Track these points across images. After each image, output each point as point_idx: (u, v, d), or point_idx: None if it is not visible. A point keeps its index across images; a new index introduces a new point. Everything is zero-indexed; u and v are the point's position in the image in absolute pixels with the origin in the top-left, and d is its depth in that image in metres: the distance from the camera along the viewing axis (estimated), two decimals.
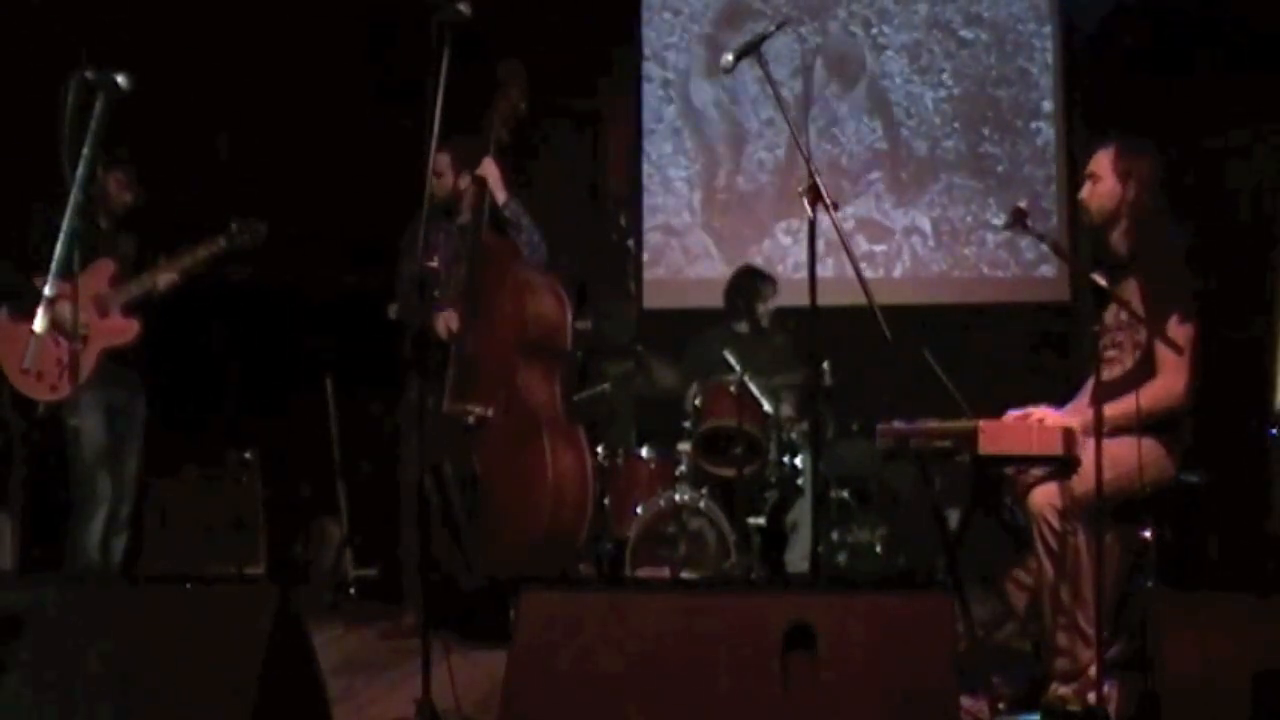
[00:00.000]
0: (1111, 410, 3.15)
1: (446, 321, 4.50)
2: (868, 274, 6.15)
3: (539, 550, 4.30)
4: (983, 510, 3.66)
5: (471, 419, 4.38)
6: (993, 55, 6.46)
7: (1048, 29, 6.45)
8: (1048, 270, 6.37)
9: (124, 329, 4.45)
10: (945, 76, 6.49)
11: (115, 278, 4.48)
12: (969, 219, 6.42)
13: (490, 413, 4.39)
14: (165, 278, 4.49)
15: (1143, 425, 3.22)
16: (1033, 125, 6.44)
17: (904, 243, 6.47)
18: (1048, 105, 6.43)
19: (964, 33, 6.50)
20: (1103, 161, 3.52)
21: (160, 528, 5.39)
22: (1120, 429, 3.21)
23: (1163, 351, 3.28)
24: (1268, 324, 5.61)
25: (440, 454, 4.36)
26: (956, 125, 6.47)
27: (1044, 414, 3.37)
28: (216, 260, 4.56)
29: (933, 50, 6.50)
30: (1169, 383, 3.30)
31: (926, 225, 6.47)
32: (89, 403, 4.42)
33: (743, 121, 6.60)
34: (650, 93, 6.67)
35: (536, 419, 4.41)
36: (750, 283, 5.76)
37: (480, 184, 4.54)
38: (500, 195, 4.55)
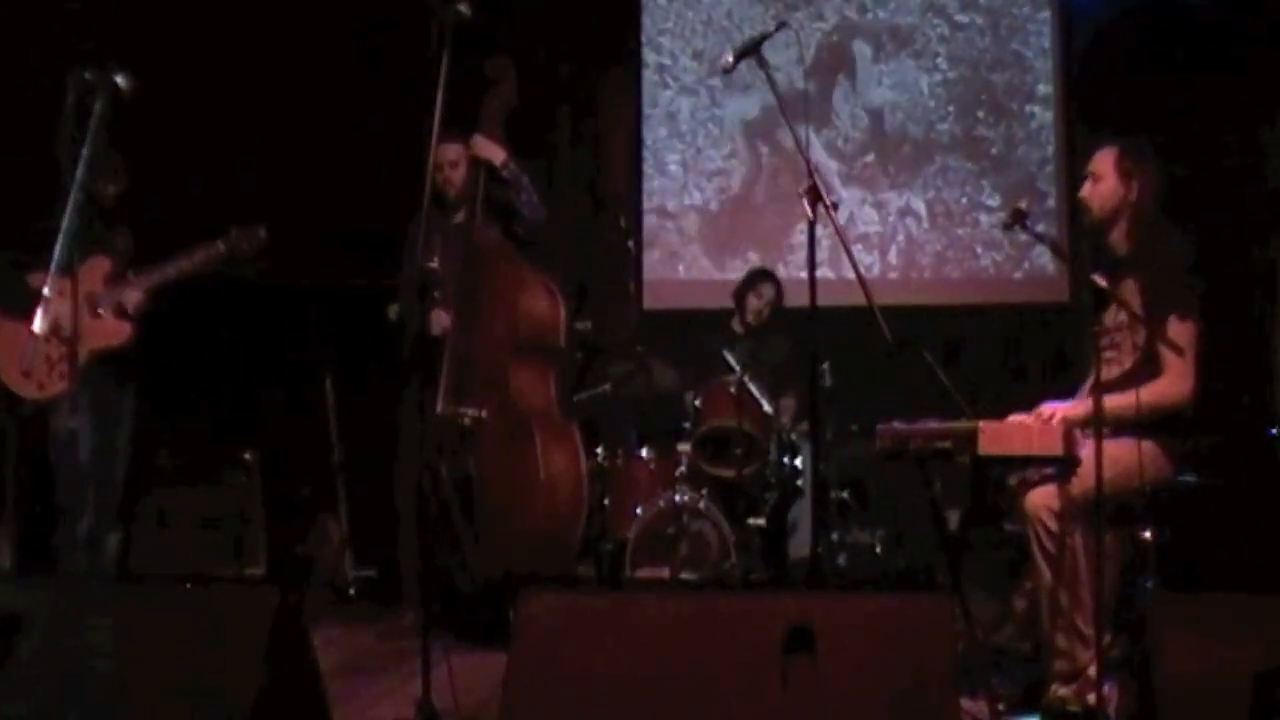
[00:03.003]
0: (1115, 402, 3.15)
1: (438, 322, 4.49)
2: (863, 256, 6.30)
3: (534, 551, 4.29)
4: (981, 520, 3.66)
5: (467, 421, 4.36)
6: (987, 39, 6.50)
7: (1043, 14, 6.50)
8: (1047, 268, 6.39)
9: (116, 331, 4.35)
10: (940, 60, 6.53)
11: (110, 276, 4.41)
12: (963, 200, 6.46)
13: (485, 415, 4.37)
14: (133, 296, 4.38)
15: (1145, 423, 3.22)
16: (1027, 108, 6.47)
17: (899, 224, 6.51)
18: (1042, 89, 6.47)
19: (959, 16, 6.54)
20: (1105, 161, 3.52)
21: (160, 528, 5.38)
22: (1123, 424, 3.21)
23: (1165, 352, 3.28)
24: (1268, 324, 5.62)
25: (436, 456, 4.34)
26: (951, 109, 6.51)
27: (1053, 410, 3.36)
28: (214, 265, 4.49)
29: (928, 34, 6.54)
30: (1174, 381, 3.29)
31: (921, 207, 6.50)
32: (82, 405, 4.38)
33: (742, 108, 6.63)
34: (645, 78, 6.71)
35: (528, 419, 4.39)
36: (748, 278, 5.83)
37: (476, 163, 4.50)
38: (498, 156, 4.47)
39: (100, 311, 4.36)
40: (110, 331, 4.36)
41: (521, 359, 4.46)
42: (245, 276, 4.82)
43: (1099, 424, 3.03)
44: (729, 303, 5.85)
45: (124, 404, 4.58)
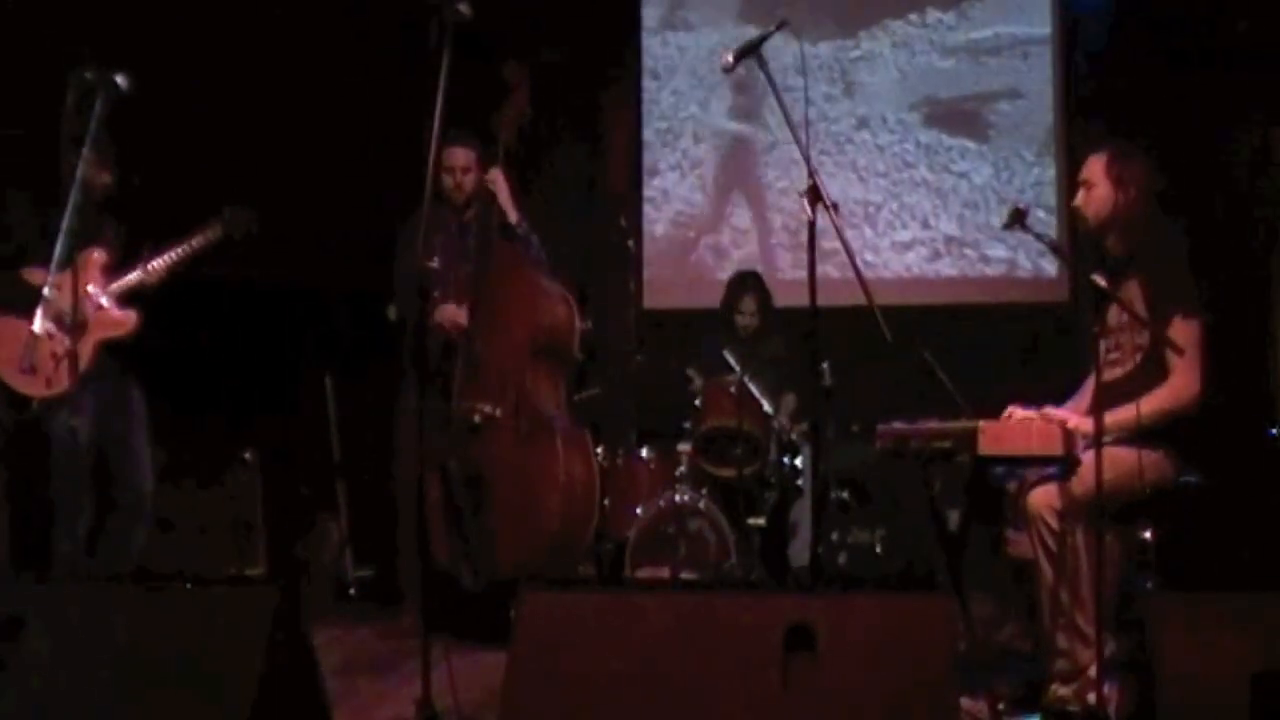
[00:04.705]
0: (1119, 415, 3.16)
1: (451, 315, 4.51)
2: (859, 255, 6.27)
3: (546, 553, 4.32)
4: (981, 520, 3.67)
5: (479, 418, 4.40)
6: (988, 40, 6.48)
7: (1043, 14, 6.48)
8: (1047, 268, 6.38)
9: (121, 320, 4.36)
10: (940, 60, 6.52)
11: (107, 267, 4.39)
12: (963, 200, 6.45)
13: (499, 412, 4.41)
14: (153, 274, 4.37)
15: (1154, 429, 3.22)
16: (1027, 109, 6.45)
17: (895, 221, 6.49)
18: (1043, 88, 6.45)
19: (958, 16, 6.52)
20: (1095, 168, 3.51)
21: (160, 528, 5.38)
22: (1129, 432, 3.21)
23: (1169, 353, 3.27)
24: (1267, 323, 5.62)
25: (446, 453, 4.37)
26: (951, 108, 6.49)
27: (1063, 415, 3.35)
28: (213, 247, 4.47)
29: (928, 34, 6.53)
30: (1179, 384, 3.29)
31: (921, 207, 6.50)
32: (83, 405, 4.37)
33: (740, 110, 6.63)
34: (646, 76, 6.70)
35: (548, 422, 4.44)
36: (729, 292, 5.71)
37: (489, 196, 4.56)
38: (513, 214, 4.58)
39: (103, 303, 4.36)
40: (115, 321, 4.35)
41: (538, 363, 4.53)
42: (246, 276, 4.82)
43: (1099, 422, 3.03)
44: None
45: (131, 399, 4.57)
